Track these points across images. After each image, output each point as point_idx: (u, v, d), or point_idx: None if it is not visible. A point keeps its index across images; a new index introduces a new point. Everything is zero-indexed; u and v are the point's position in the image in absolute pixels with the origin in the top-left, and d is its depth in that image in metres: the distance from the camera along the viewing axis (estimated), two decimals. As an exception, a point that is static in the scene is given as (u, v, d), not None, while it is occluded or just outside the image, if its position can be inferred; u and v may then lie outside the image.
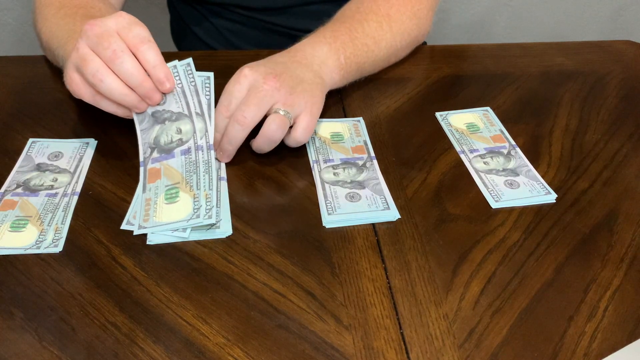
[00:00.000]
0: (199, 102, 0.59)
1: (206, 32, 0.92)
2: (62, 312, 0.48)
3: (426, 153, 0.66)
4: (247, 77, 0.60)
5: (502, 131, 0.69)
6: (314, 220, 0.57)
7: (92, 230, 0.55)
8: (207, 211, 0.55)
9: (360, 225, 0.57)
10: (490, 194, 0.60)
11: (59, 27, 0.68)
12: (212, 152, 0.59)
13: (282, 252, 0.54)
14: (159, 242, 0.54)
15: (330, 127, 0.69)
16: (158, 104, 0.59)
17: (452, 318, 0.49)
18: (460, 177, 0.63)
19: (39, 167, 0.61)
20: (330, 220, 0.56)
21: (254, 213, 0.57)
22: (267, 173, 0.62)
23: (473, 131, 0.69)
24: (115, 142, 0.65)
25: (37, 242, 0.53)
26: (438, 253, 0.54)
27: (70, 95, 0.71)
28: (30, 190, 0.58)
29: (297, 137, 0.61)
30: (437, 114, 0.72)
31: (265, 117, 0.59)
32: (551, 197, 0.60)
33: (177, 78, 0.59)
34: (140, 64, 0.56)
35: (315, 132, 0.67)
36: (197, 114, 0.59)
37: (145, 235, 0.54)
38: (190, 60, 0.60)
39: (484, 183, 0.62)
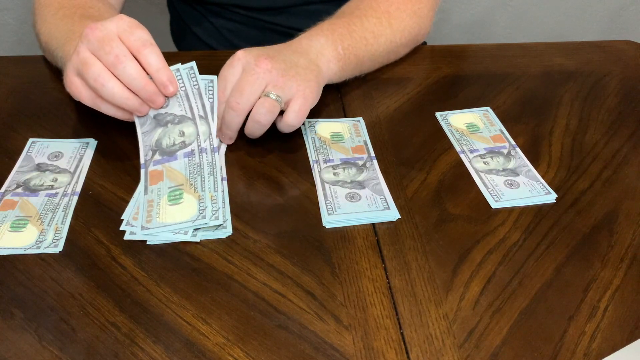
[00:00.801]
0: (203, 105, 0.60)
1: (206, 32, 0.92)
2: (62, 312, 0.48)
3: (426, 153, 0.66)
4: (240, 59, 0.60)
5: (502, 131, 0.69)
6: (314, 220, 0.57)
7: (92, 230, 0.55)
8: (214, 212, 0.55)
9: (360, 225, 0.57)
10: (490, 194, 0.60)
11: (58, 28, 0.68)
12: (217, 154, 0.59)
13: (282, 252, 0.54)
14: (158, 242, 0.54)
15: (330, 127, 0.69)
16: (161, 107, 0.59)
17: (452, 318, 0.49)
18: (460, 177, 0.63)
19: (39, 167, 0.61)
20: (330, 220, 0.56)
21: (254, 213, 0.57)
22: (267, 173, 0.62)
23: (473, 131, 0.69)
24: (115, 142, 0.65)
25: (37, 242, 0.53)
26: (438, 253, 0.54)
27: (70, 96, 0.71)
28: (30, 190, 0.58)
29: (288, 121, 0.60)
30: (437, 114, 0.72)
31: None
32: (551, 197, 0.60)
33: (180, 81, 0.59)
34: (143, 67, 0.56)
35: (315, 132, 0.67)
36: (200, 116, 0.59)
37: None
38: (193, 63, 0.60)
39: (484, 183, 0.62)
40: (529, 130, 0.70)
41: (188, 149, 0.59)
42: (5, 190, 0.58)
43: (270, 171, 0.62)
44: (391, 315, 0.49)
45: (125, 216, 0.56)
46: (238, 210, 0.57)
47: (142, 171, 0.59)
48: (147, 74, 0.56)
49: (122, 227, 0.55)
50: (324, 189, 0.60)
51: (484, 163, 0.65)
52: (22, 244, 0.53)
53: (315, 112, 0.69)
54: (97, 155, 0.63)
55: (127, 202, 0.58)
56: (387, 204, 0.58)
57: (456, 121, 0.71)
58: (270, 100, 0.59)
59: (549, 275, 0.53)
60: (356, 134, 0.68)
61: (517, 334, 0.48)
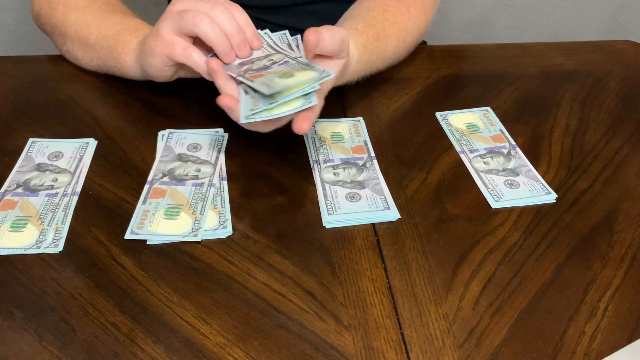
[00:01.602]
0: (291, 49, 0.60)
1: None
2: (62, 312, 0.48)
3: (426, 153, 0.66)
4: None
5: (502, 131, 0.69)
6: (314, 220, 0.57)
7: (92, 230, 0.55)
8: (222, 223, 0.55)
9: (360, 225, 0.57)
10: (490, 194, 0.60)
11: (107, 23, 0.69)
12: (225, 182, 0.59)
13: (282, 252, 0.54)
14: (158, 242, 0.54)
15: (330, 127, 0.69)
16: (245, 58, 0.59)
17: (452, 318, 0.49)
18: (460, 177, 0.63)
19: (39, 167, 0.61)
20: (330, 220, 0.56)
21: (254, 213, 0.57)
22: (267, 173, 0.62)
23: (473, 131, 0.69)
24: (115, 142, 0.65)
25: (37, 242, 0.53)
26: (438, 253, 0.54)
27: (70, 95, 0.71)
28: (30, 190, 0.58)
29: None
30: (437, 114, 0.72)
31: None
32: (551, 197, 0.60)
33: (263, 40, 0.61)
34: None
35: (315, 132, 0.67)
36: (298, 61, 0.58)
37: (145, 235, 0.54)
38: (267, 31, 0.62)
39: (484, 183, 0.62)
40: (529, 130, 0.70)
41: (198, 181, 0.59)
42: (5, 190, 0.58)
43: (270, 171, 0.62)
44: (391, 315, 0.49)
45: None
46: (238, 210, 0.57)
47: (146, 187, 0.59)
48: None
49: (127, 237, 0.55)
50: (324, 189, 0.60)
51: (484, 163, 0.65)
52: (22, 244, 0.53)
53: (315, 112, 0.69)
54: (97, 155, 0.63)
55: (127, 202, 0.58)
56: (387, 204, 0.58)
57: (456, 121, 0.71)
58: None
59: (549, 275, 0.53)
60: (356, 134, 0.68)
61: (517, 334, 0.48)
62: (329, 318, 0.48)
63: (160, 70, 0.62)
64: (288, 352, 0.46)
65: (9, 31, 1.39)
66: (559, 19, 1.56)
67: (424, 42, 0.90)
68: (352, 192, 0.59)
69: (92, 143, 0.65)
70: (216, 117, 0.69)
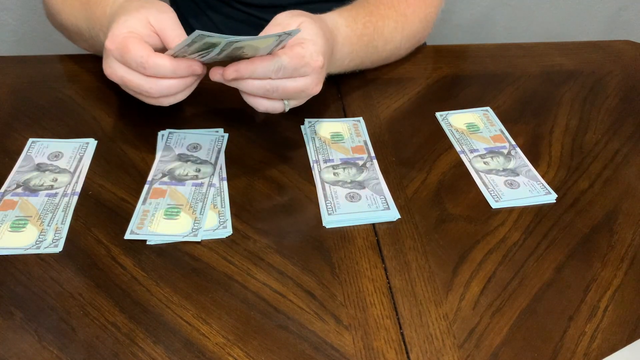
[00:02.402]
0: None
1: (204, 28, 0.92)
2: (62, 312, 0.48)
3: (426, 153, 0.66)
4: (317, 71, 0.58)
5: (502, 131, 0.69)
6: (314, 220, 0.57)
7: (92, 230, 0.55)
8: (222, 223, 0.55)
9: (360, 225, 0.57)
10: (490, 194, 0.60)
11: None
12: (225, 182, 0.59)
13: (282, 252, 0.54)
14: (158, 242, 0.54)
15: (330, 127, 0.69)
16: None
17: (452, 318, 0.49)
18: (460, 177, 0.63)
19: (39, 167, 0.61)
20: (330, 220, 0.56)
21: (254, 213, 0.57)
22: (267, 173, 0.62)
23: (473, 131, 0.69)
24: (115, 142, 0.65)
25: (37, 242, 0.53)
26: (438, 253, 0.54)
27: (70, 95, 0.71)
28: (30, 190, 0.58)
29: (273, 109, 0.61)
30: (437, 114, 0.72)
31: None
32: (551, 197, 0.60)
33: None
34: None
35: (315, 132, 0.67)
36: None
37: (145, 235, 0.54)
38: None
39: (484, 183, 0.62)
40: (529, 130, 0.70)
41: (198, 181, 0.59)
42: (5, 190, 0.58)
43: (270, 171, 0.62)
44: (391, 315, 0.49)
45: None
46: (238, 210, 0.57)
47: (146, 187, 0.59)
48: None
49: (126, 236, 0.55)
50: (324, 189, 0.60)
51: (484, 163, 0.65)
52: (22, 244, 0.53)
53: (315, 112, 0.69)
54: (97, 155, 0.63)
55: (127, 202, 0.58)
56: (387, 204, 0.58)
57: (456, 121, 0.71)
58: (282, 107, 0.59)
59: (549, 275, 0.53)
60: (356, 134, 0.68)
61: (517, 334, 0.48)
62: (329, 318, 0.48)
63: None
64: (288, 352, 0.46)
65: (9, 31, 1.39)
66: (559, 19, 1.56)
67: (424, 43, 0.90)
68: (352, 192, 0.59)
69: (92, 143, 0.65)
70: (216, 117, 0.69)
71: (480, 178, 0.62)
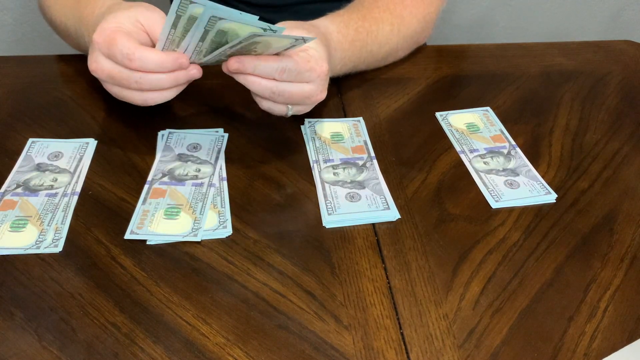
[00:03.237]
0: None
1: None
2: (62, 312, 0.48)
3: (426, 153, 0.66)
4: (321, 77, 0.59)
5: (502, 131, 0.69)
6: (314, 221, 0.57)
7: (92, 230, 0.55)
8: (222, 223, 0.55)
9: (360, 225, 0.57)
10: (490, 194, 0.60)
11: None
12: (225, 182, 0.59)
13: (282, 252, 0.54)
14: (158, 242, 0.54)
15: (330, 127, 0.69)
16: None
17: (452, 318, 0.49)
18: (460, 177, 0.63)
19: (39, 167, 0.61)
20: (330, 220, 0.56)
21: (254, 213, 0.57)
22: (267, 173, 0.62)
23: (473, 131, 0.69)
24: (115, 142, 0.65)
25: (37, 242, 0.53)
26: (438, 253, 0.54)
27: (70, 95, 0.71)
28: (30, 190, 0.58)
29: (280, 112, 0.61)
30: (437, 114, 0.72)
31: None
32: (551, 197, 0.60)
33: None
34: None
35: (315, 132, 0.67)
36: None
37: (145, 235, 0.54)
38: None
39: (484, 183, 0.62)
40: (529, 130, 0.70)
41: (198, 181, 0.59)
42: (5, 190, 0.58)
43: (270, 171, 0.62)
44: (391, 315, 0.49)
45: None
46: (238, 210, 0.57)
47: (146, 187, 0.59)
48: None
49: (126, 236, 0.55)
50: (324, 189, 0.60)
51: (484, 163, 0.65)
52: (22, 244, 0.53)
53: (315, 112, 0.69)
54: (97, 155, 0.63)
55: (127, 202, 0.58)
56: (387, 204, 0.58)
57: (456, 121, 0.71)
58: (285, 110, 0.60)
59: (549, 275, 0.53)
60: (356, 134, 0.68)
61: (517, 334, 0.48)
62: (329, 318, 0.48)
63: None
64: (288, 352, 0.46)
65: (9, 31, 1.39)
66: (559, 19, 1.56)
67: (424, 44, 0.90)
68: (352, 192, 0.59)
69: (92, 143, 0.65)
70: (216, 117, 0.69)
71: (480, 178, 0.62)
